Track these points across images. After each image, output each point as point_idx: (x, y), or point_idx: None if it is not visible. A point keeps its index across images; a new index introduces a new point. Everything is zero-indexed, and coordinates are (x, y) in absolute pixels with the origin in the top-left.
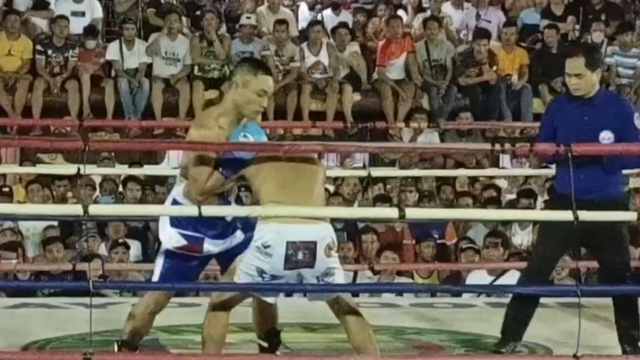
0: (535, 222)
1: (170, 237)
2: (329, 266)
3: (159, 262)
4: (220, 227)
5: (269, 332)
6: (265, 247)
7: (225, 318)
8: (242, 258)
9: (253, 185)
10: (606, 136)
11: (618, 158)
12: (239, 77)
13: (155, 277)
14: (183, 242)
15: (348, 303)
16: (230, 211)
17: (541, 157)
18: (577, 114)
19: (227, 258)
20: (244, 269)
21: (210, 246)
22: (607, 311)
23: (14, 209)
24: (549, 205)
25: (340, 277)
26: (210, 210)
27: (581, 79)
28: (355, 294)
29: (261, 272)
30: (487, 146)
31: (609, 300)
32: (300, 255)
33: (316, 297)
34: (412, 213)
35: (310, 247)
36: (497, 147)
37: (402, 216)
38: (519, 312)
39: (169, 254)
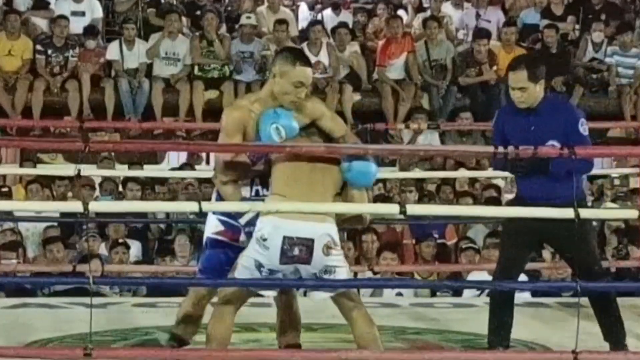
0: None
1: (210, 224)
2: (328, 264)
3: (204, 253)
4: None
5: (288, 347)
6: (264, 239)
7: (230, 318)
8: (244, 253)
9: (271, 175)
10: (554, 142)
11: (563, 165)
12: (277, 67)
13: (199, 267)
14: (221, 227)
15: (354, 301)
16: (230, 206)
17: (495, 167)
18: (524, 124)
19: None
20: (244, 262)
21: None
22: None
23: (14, 206)
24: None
25: (343, 275)
26: (210, 206)
27: (525, 92)
28: None
29: (259, 266)
30: (490, 149)
31: None
32: (296, 251)
33: (314, 293)
34: (413, 209)
35: (307, 244)
36: (500, 149)
37: (403, 212)
38: (499, 318)
39: (210, 242)
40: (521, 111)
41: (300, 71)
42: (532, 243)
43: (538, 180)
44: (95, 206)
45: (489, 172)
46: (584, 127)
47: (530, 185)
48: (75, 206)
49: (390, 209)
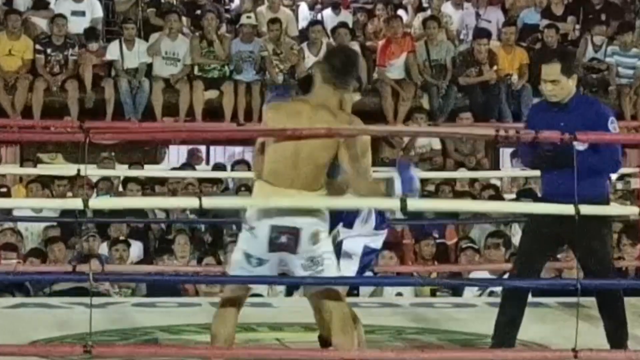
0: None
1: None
2: (314, 255)
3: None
4: None
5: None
6: (252, 229)
7: (231, 316)
8: (236, 246)
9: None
10: (580, 142)
11: (588, 163)
12: None
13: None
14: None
15: (335, 302)
16: (229, 202)
17: (523, 162)
18: (553, 120)
19: None
20: (235, 256)
21: None
22: None
23: (13, 203)
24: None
25: (331, 267)
26: (211, 202)
27: (557, 85)
28: (356, 294)
29: (248, 256)
30: (492, 131)
31: None
32: (283, 239)
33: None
34: (414, 205)
35: (293, 232)
36: (502, 132)
37: (404, 207)
38: (508, 317)
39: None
40: (552, 107)
41: None
42: (551, 241)
43: (561, 177)
44: (95, 203)
45: (488, 173)
46: (613, 125)
47: (553, 181)
48: (75, 203)
49: (391, 203)
